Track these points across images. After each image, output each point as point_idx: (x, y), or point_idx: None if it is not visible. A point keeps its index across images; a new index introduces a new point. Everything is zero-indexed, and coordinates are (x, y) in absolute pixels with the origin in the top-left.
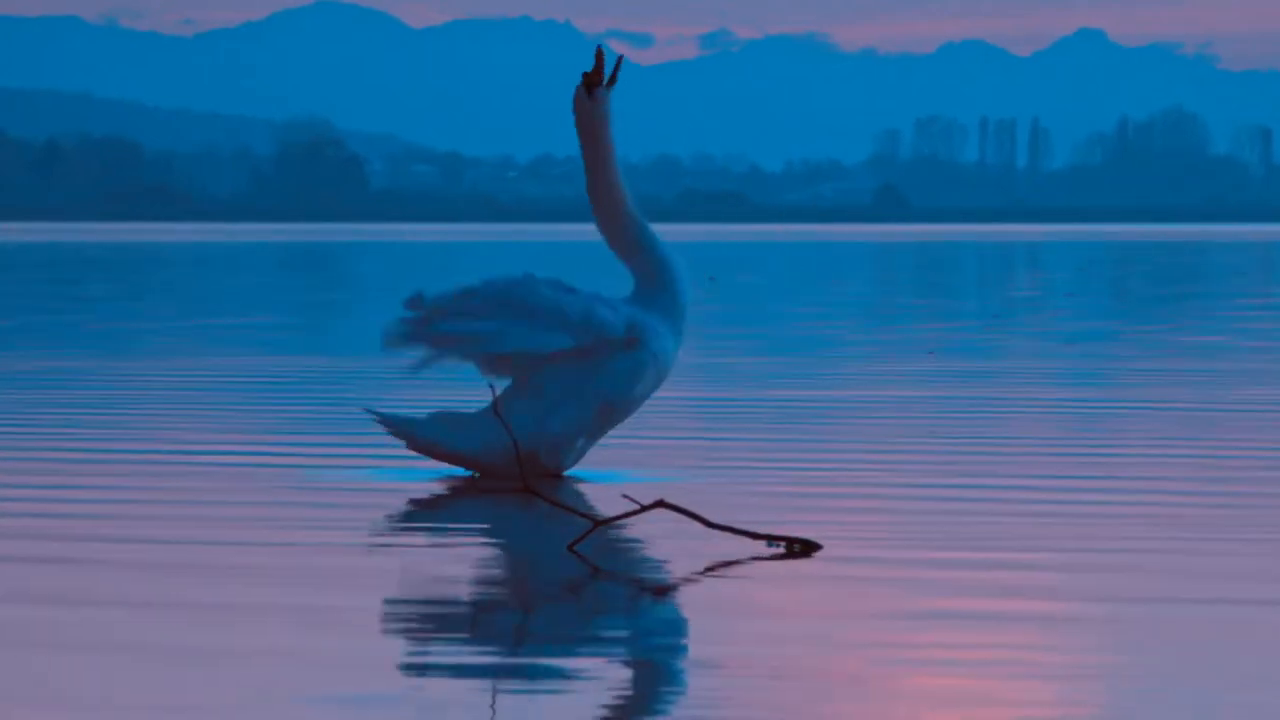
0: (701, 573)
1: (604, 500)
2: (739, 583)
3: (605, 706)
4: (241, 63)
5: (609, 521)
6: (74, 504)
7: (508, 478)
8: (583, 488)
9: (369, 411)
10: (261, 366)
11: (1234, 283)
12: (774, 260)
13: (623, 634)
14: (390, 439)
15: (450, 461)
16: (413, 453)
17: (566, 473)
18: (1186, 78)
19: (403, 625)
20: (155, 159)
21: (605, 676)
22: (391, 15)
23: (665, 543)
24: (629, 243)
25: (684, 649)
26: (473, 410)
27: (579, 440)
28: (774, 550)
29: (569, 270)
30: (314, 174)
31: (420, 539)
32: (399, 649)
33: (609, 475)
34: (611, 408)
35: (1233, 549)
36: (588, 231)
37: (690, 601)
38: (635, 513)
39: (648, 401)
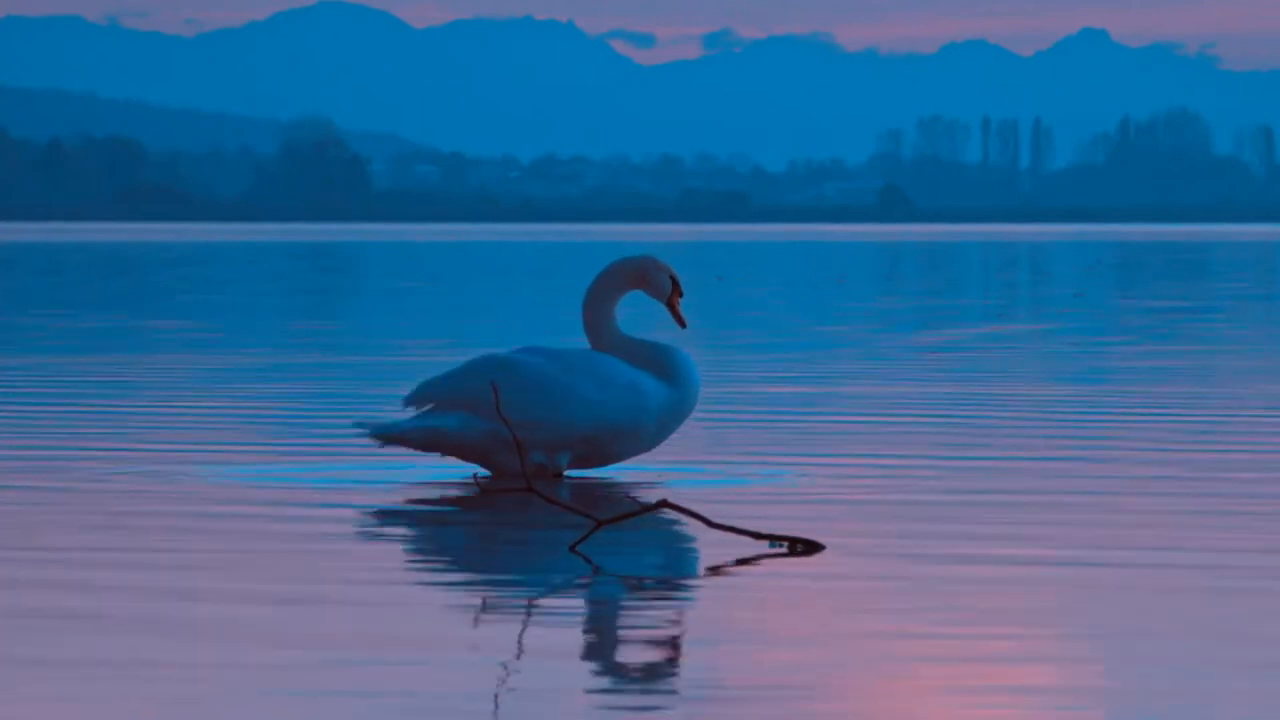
0: (703, 573)
1: (606, 500)
2: (741, 583)
3: (606, 705)
4: (244, 63)
5: (611, 521)
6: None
7: (511, 476)
8: (585, 488)
9: (357, 425)
10: (243, 367)
11: (1237, 282)
12: (777, 260)
13: (624, 634)
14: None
15: (445, 449)
16: (414, 450)
17: (567, 472)
18: (1189, 78)
19: (403, 625)
20: (158, 159)
21: (607, 676)
22: (394, 15)
23: (668, 543)
24: (644, 358)
25: (686, 649)
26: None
27: (561, 453)
28: (776, 550)
29: (569, 271)
30: (317, 174)
31: (422, 539)
32: (399, 649)
33: (611, 475)
34: (596, 438)
35: (1242, 557)
36: (588, 232)
37: (692, 602)
38: (638, 513)
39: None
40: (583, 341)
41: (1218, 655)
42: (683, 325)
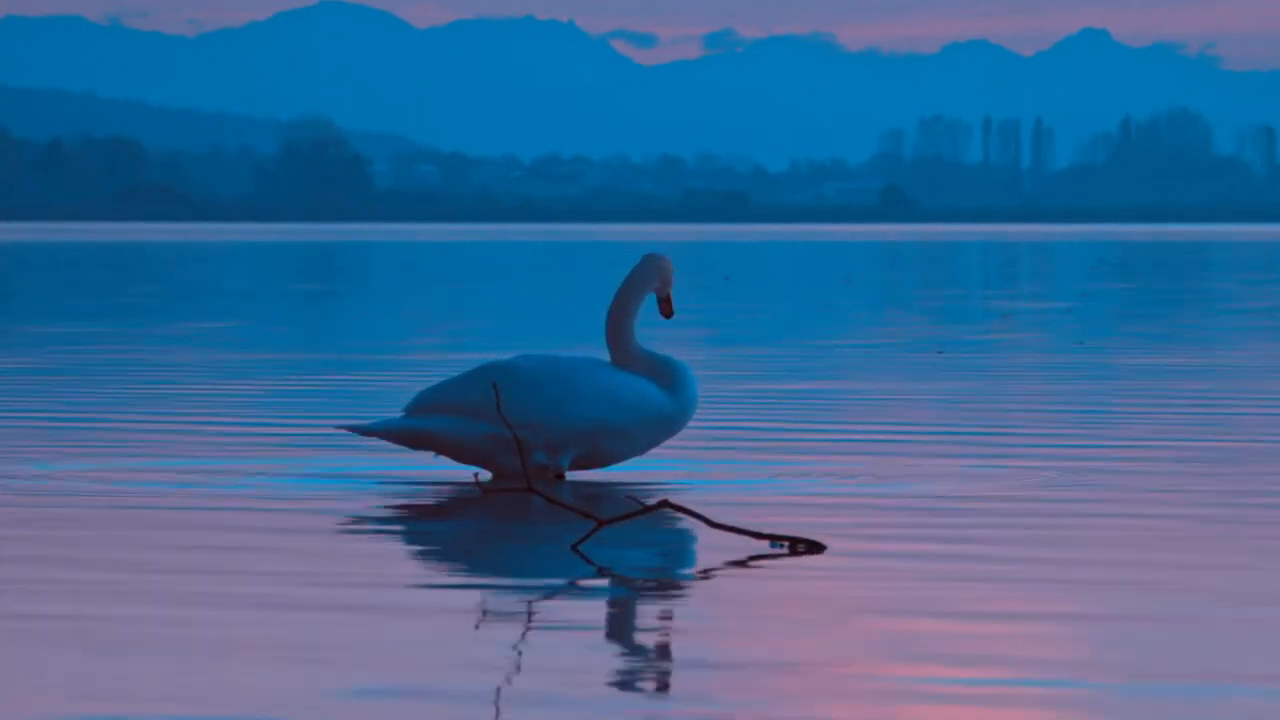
0: (705, 573)
1: (607, 500)
2: (742, 584)
3: (607, 705)
4: (245, 63)
5: (613, 521)
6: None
7: (512, 476)
8: (586, 488)
9: (341, 427)
10: (240, 367)
11: (1239, 281)
12: (780, 261)
13: (625, 634)
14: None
15: (435, 447)
16: (403, 447)
17: (568, 474)
18: (1190, 78)
19: (406, 625)
20: (159, 159)
21: (608, 676)
22: (395, 15)
23: (669, 543)
24: (649, 369)
25: (687, 649)
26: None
27: (564, 454)
28: (778, 551)
29: (570, 271)
30: (318, 174)
31: (422, 539)
32: (399, 649)
33: (612, 475)
34: (596, 438)
35: (1241, 558)
36: (589, 232)
37: (693, 602)
38: (639, 513)
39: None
40: (582, 343)
41: (1232, 669)
42: (670, 315)
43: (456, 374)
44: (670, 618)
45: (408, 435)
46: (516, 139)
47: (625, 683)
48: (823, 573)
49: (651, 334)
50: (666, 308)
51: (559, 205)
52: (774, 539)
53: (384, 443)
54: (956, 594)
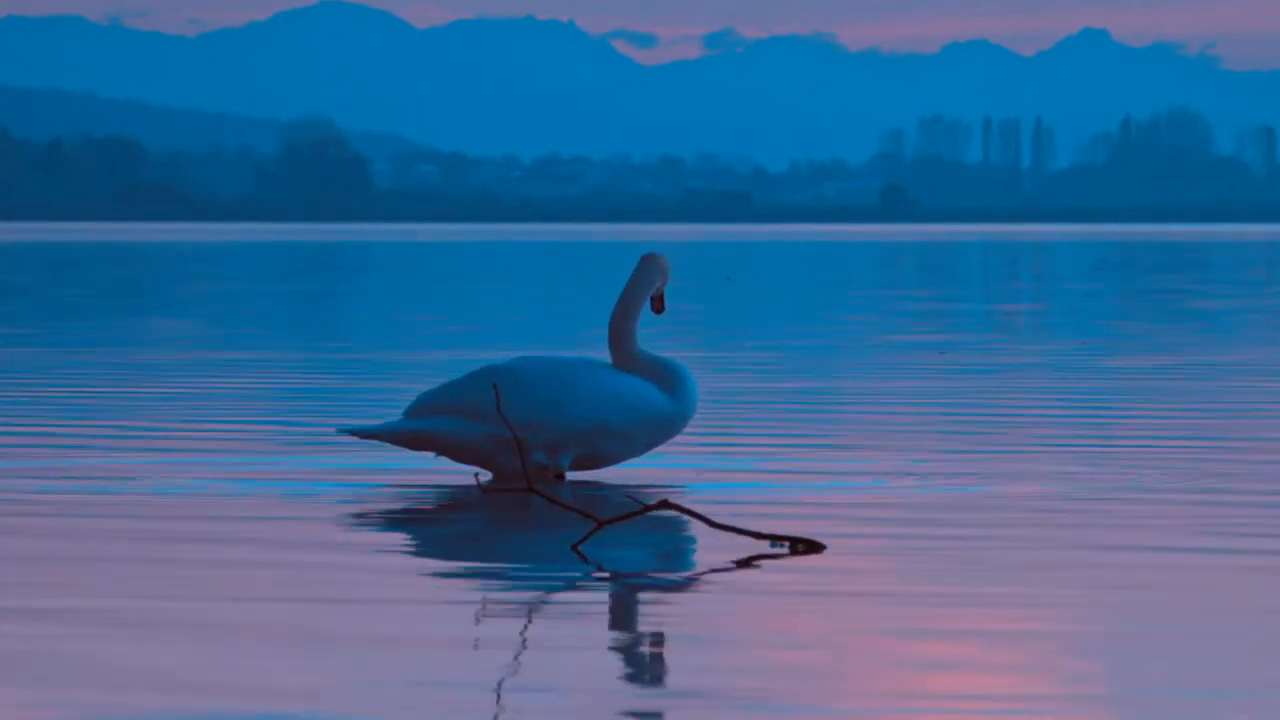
0: (705, 573)
1: (608, 500)
2: (742, 583)
3: (607, 705)
4: (245, 63)
5: (613, 521)
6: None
7: (512, 477)
8: (586, 488)
9: (341, 431)
10: (237, 366)
11: (1240, 281)
12: (781, 261)
13: (625, 634)
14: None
15: (436, 448)
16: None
17: (569, 473)
18: (1190, 78)
19: (405, 625)
20: (159, 159)
21: (608, 676)
22: (395, 15)
23: (669, 543)
24: (649, 371)
25: (687, 649)
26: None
27: (563, 454)
28: (777, 550)
29: (570, 271)
30: (318, 174)
31: (423, 539)
32: (400, 649)
33: (613, 475)
34: (595, 438)
35: (1242, 557)
36: (589, 232)
37: (693, 602)
38: (639, 513)
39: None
40: (582, 345)
41: (1230, 659)
42: (662, 311)
43: (457, 376)
44: (670, 618)
45: (408, 437)
46: (516, 139)
47: (625, 682)
48: (822, 573)
49: (652, 333)
50: (659, 305)
51: (559, 205)
52: (774, 539)
53: (384, 444)
54: (956, 595)
